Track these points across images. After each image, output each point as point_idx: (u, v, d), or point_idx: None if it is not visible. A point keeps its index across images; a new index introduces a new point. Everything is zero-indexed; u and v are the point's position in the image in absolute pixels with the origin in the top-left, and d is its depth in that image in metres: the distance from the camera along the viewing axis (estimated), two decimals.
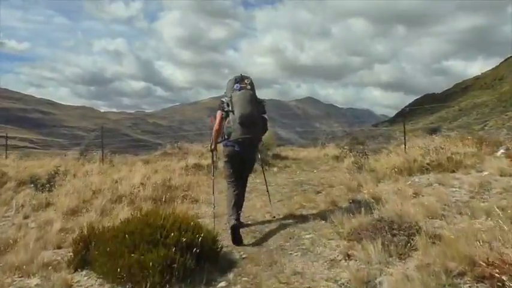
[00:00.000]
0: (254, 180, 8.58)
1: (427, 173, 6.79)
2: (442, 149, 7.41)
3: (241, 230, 4.70)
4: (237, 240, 4.46)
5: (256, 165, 10.38)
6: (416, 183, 6.22)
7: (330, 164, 11.23)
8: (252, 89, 4.92)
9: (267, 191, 5.89)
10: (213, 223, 5.09)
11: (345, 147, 12.39)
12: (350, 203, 5.59)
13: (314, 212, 5.46)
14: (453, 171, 6.57)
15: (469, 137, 8.18)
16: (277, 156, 12.19)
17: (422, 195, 5.47)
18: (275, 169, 10.17)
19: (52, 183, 8.67)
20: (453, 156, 6.91)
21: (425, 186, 6.00)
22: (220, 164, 6.05)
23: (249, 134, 4.68)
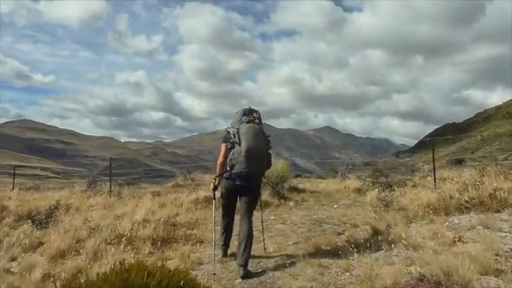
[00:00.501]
0: (268, 217, 7.76)
1: (467, 213, 5.86)
2: (481, 183, 6.48)
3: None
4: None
5: (271, 199, 9.62)
6: (456, 226, 5.32)
7: (351, 198, 10.34)
8: (260, 123, 4.85)
9: (262, 232, 5.66)
10: (216, 269, 4.34)
11: (367, 179, 11.48)
12: (378, 249, 4.72)
13: (335, 259, 4.59)
14: (498, 211, 5.64)
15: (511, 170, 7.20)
16: (293, 189, 11.34)
17: (466, 242, 4.57)
18: (291, 203, 9.33)
19: (50, 219, 8.02)
20: (496, 192, 5.98)
21: (467, 229, 5.09)
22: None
23: (253, 168, 4.58)
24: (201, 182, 15.04)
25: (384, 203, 6.74)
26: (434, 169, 10.08)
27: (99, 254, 5.73)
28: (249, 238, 4.57)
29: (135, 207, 9.36)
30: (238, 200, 4.93)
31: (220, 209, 5.18)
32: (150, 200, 11.00)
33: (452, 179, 8.03)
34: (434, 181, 9.40)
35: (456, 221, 5.50)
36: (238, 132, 4.64)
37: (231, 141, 4.72)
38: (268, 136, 4.91)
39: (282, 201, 9.51)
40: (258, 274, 4.42)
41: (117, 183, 12.47)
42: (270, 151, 5.00)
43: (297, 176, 21.64)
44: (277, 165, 11.38)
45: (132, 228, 6.88)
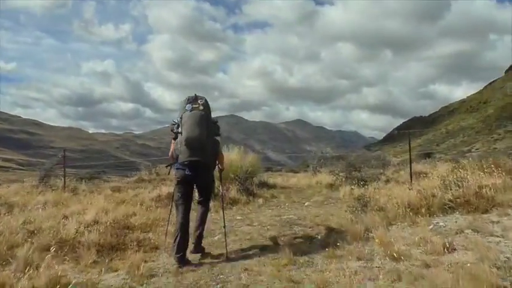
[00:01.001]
0: (234, 217, 7.05)
1: (452, 213, 5.31)
2: (465, 180, 5.96)
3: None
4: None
5: (239, 196, 8.91)
6: (441, 229, 4.75)
7: (323, 194, 9.77)
8: (205, 109, 4.71)
9: (225, 236, 5.13)
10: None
11: (340, 173, 10.93)
12: (358, 259, 4.07)
13: (308, 272, 3.91)
14: (486, 211, 5.12)
15: (493, 164, 6.71)
16: (263, 185, 10.67)
17: (456, 249, 3.99)
18: (260, 201, 8.64)
19: None
20: (482, 190, 5.47)
21: (455, 233, 4.52)
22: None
23: (196, 157, 4.51)
24: (166, 176, 14.14)
25: (361, 202, 6.12)
26: (410, 163, 9.62)
27: (32, 265, 4.85)
28: (202, 220, 4.85)
29: (87, 205, 8.45)
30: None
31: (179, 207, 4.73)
32: (107, 196, 10.11)
33: (429, 175, 7.53)
34: (411, 176, 8.92)
35: (441, 223, 4.94)
36: (181, 121, 4.62)
37: (174, 131, 4.75)
38: (215, 122, 4.91)
39: (251, 198, 8.82)
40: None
41: (79, 177, 11.40)
42: (218, 138, 5.02)
43: (268, 169, 21.03)
44: (247, 159, 10.68)
45: (77, 232, 6.01)
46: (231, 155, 10.50)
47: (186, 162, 4.53)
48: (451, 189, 5.80)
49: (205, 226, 5.02)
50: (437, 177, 6.99)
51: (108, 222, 6.42)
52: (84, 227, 6.25)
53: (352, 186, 9.88)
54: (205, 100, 4.81)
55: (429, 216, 5.28)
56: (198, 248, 4.87)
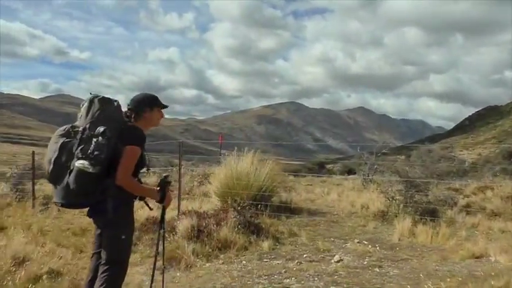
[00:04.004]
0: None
1: None
2: None
3: None
4: None
5: (234, 236, 5.97)
6: None
7: (368, 232, 6.58)
8: (88, 116, 2.66)
9: None
10: None
11: (397, 197, 7.52)
12: None
13: None
14: None
15: None
16: (284, 209, 7.58)
17: None
18: (265, 245, 5.60)
19: None
20: None
21: None
22: None
23: (58, 197, 2.64)
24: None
25: None
26: None
27: None
28: None
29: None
30: None
31: None
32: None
33: None
34: None
35: None
36: None
37: None
38: (102, 134, 2.56)
39: (253, 238, 5.83)
40: None
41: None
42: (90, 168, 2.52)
43: (311, 171, 17.80)
44: (263, 169, 7.70)
45: None
46: (239, 165, 7.57)
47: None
48: None
49: None
50: None
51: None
52: None
53: (414, 220, 6.57)
54: (98, 100, 2.76)
55: None
56: None
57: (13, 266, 4.28)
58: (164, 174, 3.00)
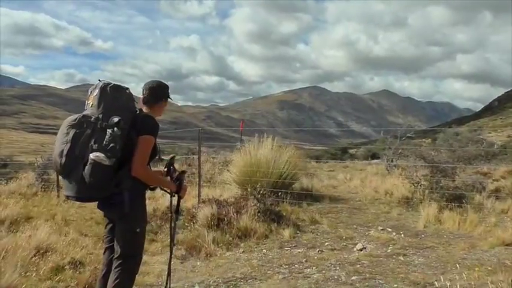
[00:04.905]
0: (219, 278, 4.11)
1: None
2: None
3: None
4: None
5: (254, 224, 5.92)
6: None
7: (393, 219, 6.42)
8: (100, 105, 2.54)
9: None
10: None
11: (422, 182, 7.30)
12: None
13: None
14: None
15: None
16: (306, 196, 7.48)
17: None
18: (286, 233, 5.53)
19: None
20: None
21: None
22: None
23: (70, 191, 2.54)
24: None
25: None
26: None
27: None
28: None
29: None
30: None
31: None
32: None
33: None
34: None
35: None
36: None
37: None
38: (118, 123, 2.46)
39: (274, 226, 5.76)
40: None
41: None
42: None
43: (333, 156, 17.52)
44: (283, 156, 7.60)
45: None
46: (259, 152, 7.48)
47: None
48: None
49: None
50: None
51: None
52: None
53: (440, 206, 6.36)
54: (108, 86, 2.65)
55: None
56: None
57: (36, 256, 4.33)
58: (170, 155, 2.94)
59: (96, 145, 2.41)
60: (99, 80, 2.65)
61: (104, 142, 2.41)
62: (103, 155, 2.38)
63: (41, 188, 9.12)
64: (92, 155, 2.39)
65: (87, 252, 4.84)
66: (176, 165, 2.95)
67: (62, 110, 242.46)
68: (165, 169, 2.86)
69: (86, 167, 2.41)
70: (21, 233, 5.18)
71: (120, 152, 2.46)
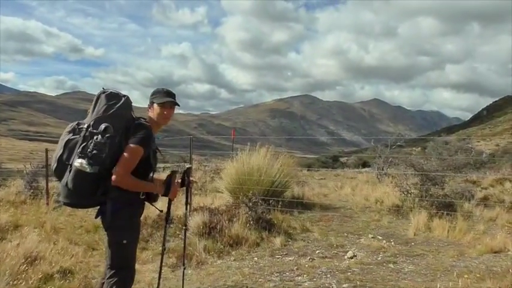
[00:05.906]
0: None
1: None
2: None
3: None
4: None
5: (245, 232, 5.90)
6: None
7: (383, 227, 6.46)
8: (93, 112, 2.58)
9: None
10: None
11: (412, 190, 7.39)
12: None
13: None
14: None
15: None
16: (297, 204, 7.51)
17: None
18: (278, 241, 5.54)
19: None
20: None
21: None
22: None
23: (61, 196, 2.61)
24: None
25: None
26: None
27: None
28: None
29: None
30: None
31: None
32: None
33: None
34: None
35: None
36: None
37: None
38: (104, 131, 2.44)
39: (265, 234, 5.76)
40: None
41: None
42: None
43: (324, 165, 17.63)
44: (275, 164, 7.62)
45: None
46: (251, 161, 7.50)
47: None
48: None
49: None
50: None
51: None
52: None
53: (430, 214, 6.42)
54: (106, 95, 2.64)
55: None
56: None
57: (25, 265, 4.28)
58: (173, 170, 2.93)
59: (81, 152, 2.38)
60: (102, 88, 2.63)
61: (88, 149, 2.37)
62: (85, 161, 2.35)
63: (30, 195, 9.00)
64: (75, 162, 2.38)
65: (76, 261, 4.79)
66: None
67: (51, 117, 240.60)
68: (179, 180, 2.94)
69: (70, 173, 2.40)
70: (10, 242, 5.11)
71: (109, 159, 2.42)
